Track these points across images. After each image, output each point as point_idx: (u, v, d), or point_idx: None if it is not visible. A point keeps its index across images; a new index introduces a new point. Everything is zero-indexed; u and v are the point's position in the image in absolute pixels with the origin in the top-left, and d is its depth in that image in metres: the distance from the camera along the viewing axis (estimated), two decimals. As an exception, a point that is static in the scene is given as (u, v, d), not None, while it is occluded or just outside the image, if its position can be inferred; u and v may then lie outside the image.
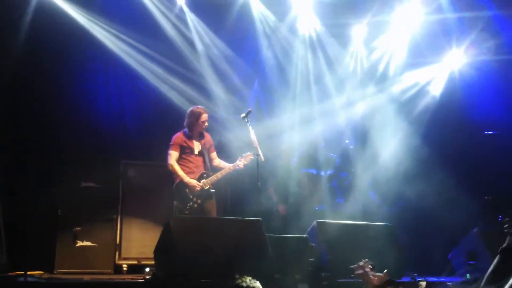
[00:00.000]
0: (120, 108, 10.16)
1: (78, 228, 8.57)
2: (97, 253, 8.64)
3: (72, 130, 9.55)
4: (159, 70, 10.18)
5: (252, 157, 8.03)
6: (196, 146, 8.26)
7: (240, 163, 8.16)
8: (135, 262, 9.02)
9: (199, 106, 8.42)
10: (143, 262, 8.95)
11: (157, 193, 9.20)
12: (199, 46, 10.48)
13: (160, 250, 6.80)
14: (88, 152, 9.36)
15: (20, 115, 9.16)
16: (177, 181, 8.08)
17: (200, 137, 8.33)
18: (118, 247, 8.99)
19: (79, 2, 9.56)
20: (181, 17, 10.35)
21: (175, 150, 8.15)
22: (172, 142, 8.19)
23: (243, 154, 8.21)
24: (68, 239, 8.56)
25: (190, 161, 8.18)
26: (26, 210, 8.64)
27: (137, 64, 10.01)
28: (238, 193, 9.80)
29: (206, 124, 8.29)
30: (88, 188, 8.96)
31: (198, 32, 10.50)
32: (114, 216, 9.00)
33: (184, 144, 8.18)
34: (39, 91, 9.36)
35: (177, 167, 8.07)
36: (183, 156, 8.18)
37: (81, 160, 9.15)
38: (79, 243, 8.57)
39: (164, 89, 10.16)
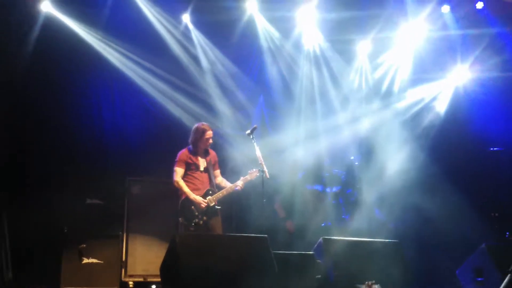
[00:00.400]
0: (125, 124, 10.17)
1: (84, 245, 8.57)
2: (103, 270, 8.60)
3: (76, 147, 9.57)
4: (164, 87, 10.20)
5: (258, 174, 8.01)
6: (202, 163, 8.23)
7: (240, 183, 8.13)
8: (141, 279, 9.01)
9: (204, 123, 8.40)
10: (149, 279, 8.93)
11: (162, 210, 9.21)
12: (204, 62, 10.51)
13: (167, 267, 6.78)
14: (93, 169, 9.39)
15: (25, 131, 9.20)
16: (183, 198, 8.03)
17: (205, 153, 8.30)
18: (124, 264, 8.98)
19: (85, 20, 9.60)
20: (186, 35, 10.39)
21: (180, 166, 8.12)
22: (177, 159, 8.15)
23: (249, 171, 8.19)
24: (74, 256, 8.54)
25: (196, 178, 8.14)
26: (32, 227, 8.63)
27: (142, 81, 10.04)
28: (244, 210, 9.79)
29: (211, 141, 8.27)
30: (93, 205, 9.01)
31: (203, 49, 10.54)
32: (120, 233, 9.01)
33: (190, 161, 8.14)
34: (44, 107, 9.40)
35: (182, 184, 8.03)
36: (189, 172, 8.14)
37: (86, 177, 9.18)
38: (85, 260, 8.55)
39: (169, 105, 10.18)
